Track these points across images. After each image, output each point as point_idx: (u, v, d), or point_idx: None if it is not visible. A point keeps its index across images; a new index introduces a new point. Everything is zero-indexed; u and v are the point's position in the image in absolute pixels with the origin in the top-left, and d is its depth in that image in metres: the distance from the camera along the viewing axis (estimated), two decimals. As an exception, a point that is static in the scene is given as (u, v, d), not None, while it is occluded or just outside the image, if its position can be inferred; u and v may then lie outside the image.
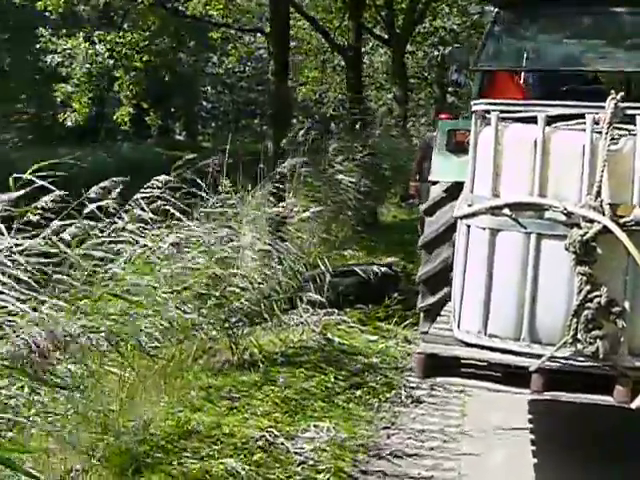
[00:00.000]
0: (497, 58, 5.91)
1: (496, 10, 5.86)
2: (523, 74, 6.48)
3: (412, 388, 5.35)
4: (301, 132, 10.33)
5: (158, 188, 5.05)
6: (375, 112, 25.60)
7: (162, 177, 5.19)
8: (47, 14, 17.17)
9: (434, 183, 5.94)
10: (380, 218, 13.98)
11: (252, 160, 9.22)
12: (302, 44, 21.15)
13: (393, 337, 6.47)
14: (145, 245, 4.70)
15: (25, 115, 31.12)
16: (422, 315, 5.92)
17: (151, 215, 4.86)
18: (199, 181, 5.90)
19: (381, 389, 5.33)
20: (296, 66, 22.93)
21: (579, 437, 4.55)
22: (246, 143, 21.53)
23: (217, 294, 5.51)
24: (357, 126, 13.71)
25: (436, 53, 22.07)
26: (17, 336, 3.00)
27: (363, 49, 22.64)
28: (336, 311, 6.70)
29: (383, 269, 7.00)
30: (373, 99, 26.69)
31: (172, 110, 33.71)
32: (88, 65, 14.32)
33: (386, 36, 18.19)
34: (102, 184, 4.84)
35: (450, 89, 24.18)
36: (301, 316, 6.57)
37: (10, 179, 3.72)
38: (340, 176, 11.08)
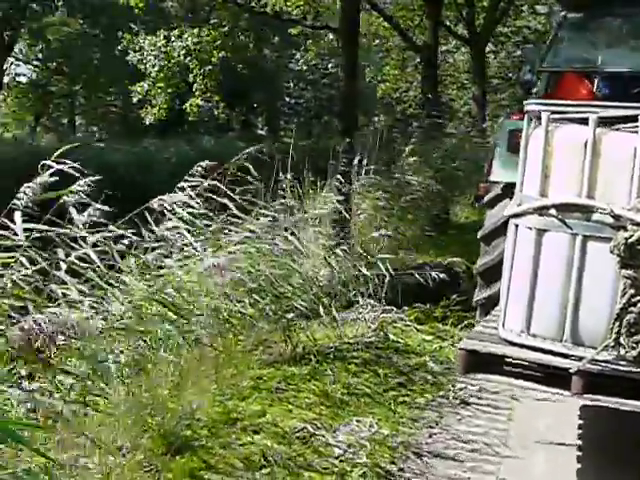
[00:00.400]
0: (563, 59, 5.87)
1: (564, 12, 5.82)
2: (592, 76, 6.36)
3: (460, 389, 5.31)
4: (367, 129, 10.34)
5: (203, 177, 5.09)
6: (457, 112, 25.41)
7: (205, 162, 5.23)
8: (136, 11, 17.73)
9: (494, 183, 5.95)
10: (453, 218, 13.88)
11: (326, 156, 9.28)
12: (384, 41, 21.13)
13: (449, 338, 6.41)
14: (195, 250, 4.74)
15: (113, 108, 32.19)
16: (478, 308, 5.92)
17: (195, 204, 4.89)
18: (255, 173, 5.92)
19: (429, 389, 5.31)
20: (376, 63, 22.97)
21: (627, 445, 4.43)
22: (326, 139, 21.64)
23: (275, 292, 5.59)
24: (433, 125, 13.63)
25: (519, 53, 21.68)
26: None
27: (445, 47, 22.51)
28: (394, 309, 6.71)
29: (441, 275, 6.95)
30: (455, 99, 26.47)
31: (254, 105, 34.18)
32: (164, 63, 14.63)
33: (467, 35, 18.00)
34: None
35: (534, 90, 23.65)
36: (359, 313, 6.61)
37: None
38: (410, 176, 11.05)
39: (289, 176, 7.03)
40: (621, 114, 3.73)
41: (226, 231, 5.36)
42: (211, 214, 5.11)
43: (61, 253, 3.52)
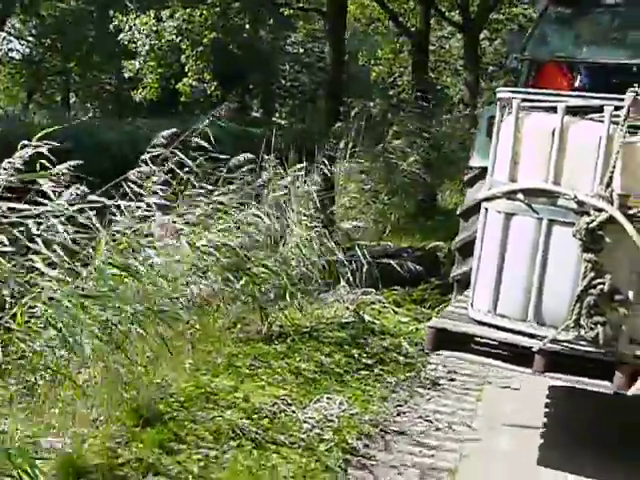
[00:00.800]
0: (543, 49, 5.93)
1: (545, 2, 5.88)
2: (574, 67, 6.41)
3: (432, 370, 5.40)
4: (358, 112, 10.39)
5: (164, 146, 5.10)
6: (451, 98, 25.36)
7: (166, 132, 5.23)
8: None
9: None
10: (441, 204, 13.93)
11: (316, 139, 9.28)
12: (378, 24, 21.05)
13: (425, 320, 6.46)
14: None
15: (107, 86, 32.01)
16: (455, 285, 6.01)
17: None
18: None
19: (402, 369, 5.39)
20: (372, 46, 22.87)
21: (590, 429, 4.54)
22: (319, 123, 21.56)
23: (249, 273, 5.64)
24: (421, 110, 13.62)
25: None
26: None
27: (440, 33, 22.43)
28: (373, 291, 6.78)
29: (419, 268, 7.03)
30: (450, 85, 26.40)
31: (250, 87, 34.01)
32: (154, 42, 14.60)
33: (461, 21, 17.93)
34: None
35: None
36: (340, 295, 6.67)
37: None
38: (396, 160, 11.10)
39: (272, 156, 7.08)
40: (589, 104, 3.81)
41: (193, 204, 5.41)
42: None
43: (34, 228, 3.57)
